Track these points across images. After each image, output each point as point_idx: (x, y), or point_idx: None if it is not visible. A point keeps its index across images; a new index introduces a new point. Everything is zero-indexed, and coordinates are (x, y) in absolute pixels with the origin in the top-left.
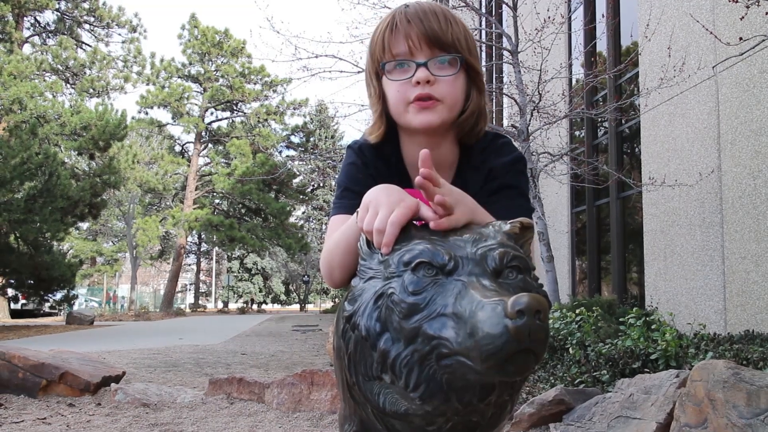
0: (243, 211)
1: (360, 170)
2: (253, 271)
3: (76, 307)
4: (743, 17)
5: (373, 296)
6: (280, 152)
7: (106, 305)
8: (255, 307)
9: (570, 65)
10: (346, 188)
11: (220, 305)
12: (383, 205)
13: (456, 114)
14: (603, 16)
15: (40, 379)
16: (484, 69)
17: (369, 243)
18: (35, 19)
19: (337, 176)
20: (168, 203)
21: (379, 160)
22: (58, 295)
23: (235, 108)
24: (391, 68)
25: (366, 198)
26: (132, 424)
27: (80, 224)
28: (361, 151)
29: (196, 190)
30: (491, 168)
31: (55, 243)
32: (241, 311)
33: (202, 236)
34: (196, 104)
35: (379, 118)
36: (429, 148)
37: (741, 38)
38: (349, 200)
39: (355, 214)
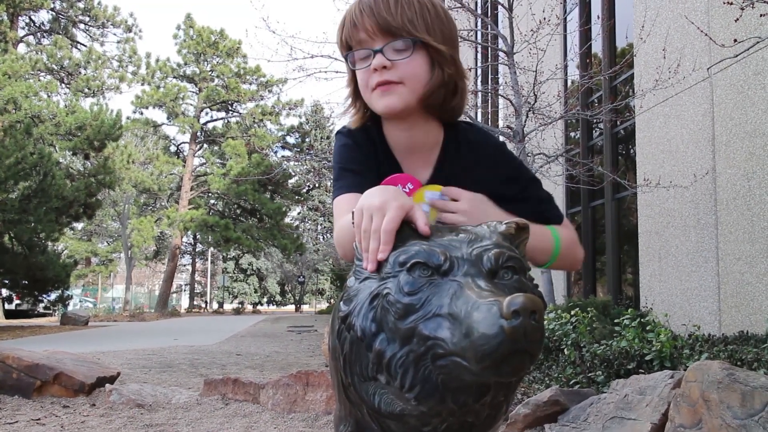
0: (238, 211)
1: (353, 150)
2: (248, 272)
3: (70, 308)
4: (738, 19)
5: (369, 297)
6: (276, 153)
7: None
8: (250, 307)
9: (565, 66)
10: (343, 168)
11: (216, 306)
12: (376, 209)
13: (421, 93)
14: (598, 17)
15: (34, 380)
16: (479, 70)
17: None
18: (30, 19)
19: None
20: (163, 203)
21: (368, 142)
22: (53, 296)
23: (230, 108)
24: (356, 58)
25: (360, 202)
26: (127, 425)
27: (75, 224)
28: (351, 133)
29: (191, 190)
30: (479, 179)
31: (49, 243)
32: (236, 312)
33: (197, 237)
34: (191, 104)
35: (353, 104)
36: (404, 130)
37: (736, 40)
38: (349, 179)
39: (351, 214)
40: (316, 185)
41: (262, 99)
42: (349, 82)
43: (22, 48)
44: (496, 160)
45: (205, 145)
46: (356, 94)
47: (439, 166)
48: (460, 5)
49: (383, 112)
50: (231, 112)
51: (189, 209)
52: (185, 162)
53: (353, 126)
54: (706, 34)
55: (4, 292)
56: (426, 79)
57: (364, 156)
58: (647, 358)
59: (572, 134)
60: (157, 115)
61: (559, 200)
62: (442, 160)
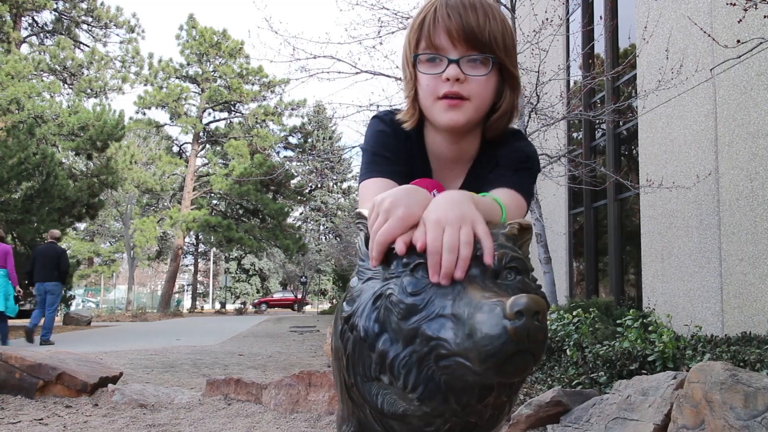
0: (241, 211)
1: (389, 137)
2: (250, 272)
3: (73, 308)
4: (741, 20)
5: (372, 297)
6: (278, 153)
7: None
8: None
9: (568, 67)
10: (375, 153)
11: (218, 306)
12: (383, 211)
13: (483, 113)
14: (601, 18)
15: (37, 380)
16: None
17: (367, 244)
18: (33, 19)
19: (337, 175)
20: (166, 204)
21: (406, 139)
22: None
23: (233, 109)
24: (424, 60)
25: (378, 196)
26: (129, 425)
27: (78, 225)
28: (391, 122)
29: (193, 190)
30: (498, 157)
31: None
32: (238, 312)
33: (200, 237)
34: (194, 105)
35: (411, 104)
36: (451, 142)
37: (738, 41)
38: (379, 165)
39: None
40: (319, 186)
41: (264, 99)
42: (410, 84)
43: (25, 48)
44: (515, 147)
45: (208, 146)
46: (416, 97)
47: (469, 174)
48: None
49: (446, 126)
50: (233, 113)
51: (191, 209)
52: (188, 162)
53: (407, 126)
54: (709, 35)
55: None
56: (491, 100)
57: (398, 148)
58: (650, 358)
59: (575, 135)
60: (160, 116)
61: (562, 201)
62: (470, 175)
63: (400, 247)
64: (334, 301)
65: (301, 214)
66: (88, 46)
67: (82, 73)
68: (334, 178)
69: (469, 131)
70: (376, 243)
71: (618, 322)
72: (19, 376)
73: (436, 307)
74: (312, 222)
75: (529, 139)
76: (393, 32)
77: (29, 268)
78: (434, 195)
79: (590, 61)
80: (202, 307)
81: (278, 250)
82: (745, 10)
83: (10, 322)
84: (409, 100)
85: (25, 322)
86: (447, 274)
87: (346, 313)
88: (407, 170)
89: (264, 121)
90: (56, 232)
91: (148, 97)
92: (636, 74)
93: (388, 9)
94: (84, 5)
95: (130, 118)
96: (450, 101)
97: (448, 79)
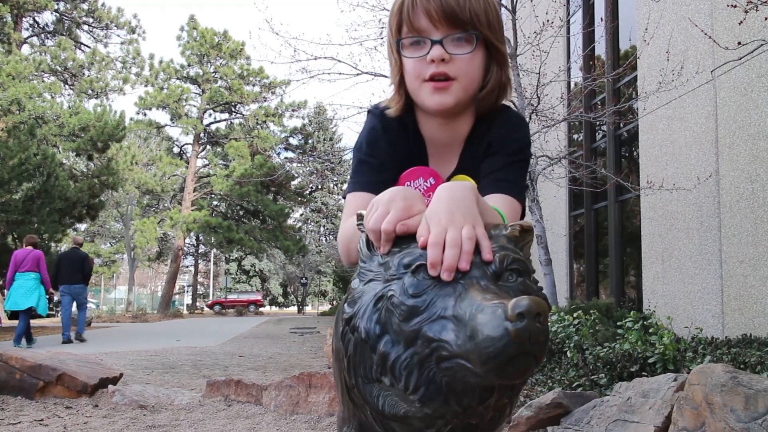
0: (241, 212)
1: (380, 135)
2: (251, 273)
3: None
4: (742, 22)
5: (373, 298)
6: (279, 154)
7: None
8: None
9: (568, 68)
10: (362, 160)
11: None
12: (382, 203)
13: (473, 92)
14: (602, 19)
15: (37, 381)
16: None
17: (369, 245)
18: (34, 20)
19: (337, 177)
20: (166, 205)
21: (399, 126)
22: (56, 297)
23: (233, 110)
24: (407, 44)
25: (375, 198)
26: (129, 426)
27: (78, 225)
28: (382, 115)
29: (194, 191)
30: (490, 141)
31: (53, 244)
32: (239, 313)
33: (200, 238)
34: (194, 106)
35: (397, 91)
36: (443, 124)
37: (739, 43)
38: (363, 176)
39: (355, 216)
40: (319, 187)
41: (265, 100)
42: (396, 70)
43: (26, 49)
44: (507, 132)
45: (209, 147)
46: (401, 82)
47: (462, 157)
48: None
49: (435, 109)
50: (234, 114)
51: (192, 210)
52: (188, 163)
53: (392, 113)
54: (709, 37)
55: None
56: (479, 78)
57: (389, 144)
58: (650, 360)
59: (575, 136)
60: (161, 117)
61: (562, 202)
62: (462, 156)
63: (400, 228)
64: (335, 302)
65: (301, 215)
66: (89, 47)
67: (83, 73)
68: (335, 179)
69: (461, 112)
70: (383, 230)
71: (618, 324)
72: (19, 377)
73: (438, 309)
74: (312, 223)
75: (517, 110)
76: None
77: (54, 272)
78: (429, 183)
79: (591, 62)
80: (202, 308)
81: (278, 251)
82: (746, 11)
83: (9, 323)
84: (395, 86)
85: (51, 321)
86: (450, 267)
87: (347, 315)
88: (399, 165)
89: (265, 122)
90: (79, 238)
91: (148, 98)
92: (636, 76)
93: (389, 10)
94: (85, 6)
95: (131, 119)
96: (437, 83)
97: (433, 61)
